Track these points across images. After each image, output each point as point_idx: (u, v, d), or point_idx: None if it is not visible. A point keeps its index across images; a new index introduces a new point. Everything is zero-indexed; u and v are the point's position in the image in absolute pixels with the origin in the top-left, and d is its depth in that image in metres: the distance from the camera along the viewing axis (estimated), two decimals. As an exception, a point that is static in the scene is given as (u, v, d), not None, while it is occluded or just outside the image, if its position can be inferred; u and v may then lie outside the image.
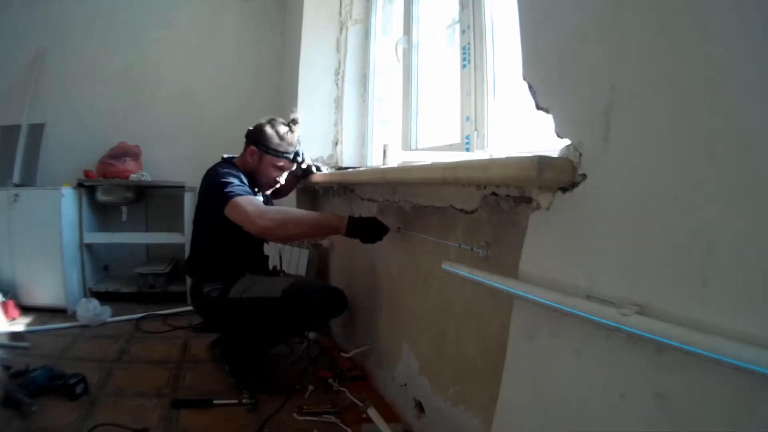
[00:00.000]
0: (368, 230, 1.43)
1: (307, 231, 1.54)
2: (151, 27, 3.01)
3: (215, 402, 1.48)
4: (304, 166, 1.75)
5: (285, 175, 1.74)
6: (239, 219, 1.44)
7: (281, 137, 1.65)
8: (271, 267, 2.00)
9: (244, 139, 1.72)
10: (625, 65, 0.61)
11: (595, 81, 0.66)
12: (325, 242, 2.19)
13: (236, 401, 1.49)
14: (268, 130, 1.65)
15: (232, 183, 1.50)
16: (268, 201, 1.83)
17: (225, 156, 1.74)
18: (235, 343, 1.67)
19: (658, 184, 0.56)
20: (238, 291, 1.62)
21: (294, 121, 1.69)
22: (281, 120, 1.70)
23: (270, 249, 2.08)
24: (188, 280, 2.72)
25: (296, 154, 1.69)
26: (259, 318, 1.59)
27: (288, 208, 1.52)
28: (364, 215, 1.74)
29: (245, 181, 1.58)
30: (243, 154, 1.70)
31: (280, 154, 1.64)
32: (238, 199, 1.45)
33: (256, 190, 1.70)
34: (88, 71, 2.92)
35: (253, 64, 3.18)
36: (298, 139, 1.70)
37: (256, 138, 1.65)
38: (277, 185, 1.74)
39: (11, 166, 2.66)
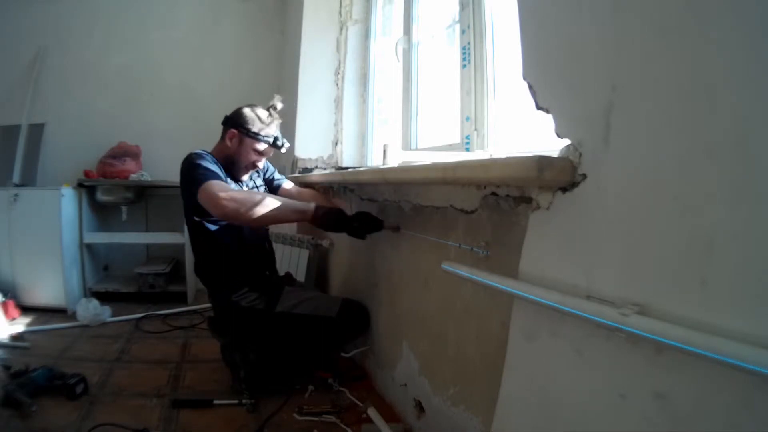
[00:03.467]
0: (342, 223, 1.42)
1: (277, 214, 1.44)
2: (151, 27, 3.01)
3: (215, 402, 1.48)
4: (283, 151, 1.69)
5: (264, 160, 1.68)
6: (208, 204, 1.39)
7: (262, 121, 1.60)
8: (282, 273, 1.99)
9: (221, 126, 1.67)
10: (625, 65, 0.61)
11: (595, 81, 0.66)
12: (325, 242, 2.19)
13: (236, 401, 1.49)
14: (249, 113, 1.61)
15: (200, 166, 1.46)
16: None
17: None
18: (266, 356, 1.63)
19: (658, 184, 0.56)
20: (287, 305, 1.62)
21: (274, 107, 1.65)
22: (260, 106, 1.66)
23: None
24: (189, 280, 2.76)
25: (276, 138, 1.63)
26: (310, 336, 1.62)
27: (255, 192, 1.49)
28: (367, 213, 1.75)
29: (216, 168, 1.52)
30: (222, 140, 1.65)
31: (261, 138, 1.60)
32: (207, 183, 1.40)
33: (239, 179, 1.67)
34: (88, 71, 2.92)
35: (253, 64, 3.18)
36: (278, 125, 1.65)
37: (236, 121, 1.61)
38: (256, 170, 1.70)
39: (11, 166, 2.66)
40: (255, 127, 1.59)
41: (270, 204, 1.42)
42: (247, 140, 1.60)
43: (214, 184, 1.41)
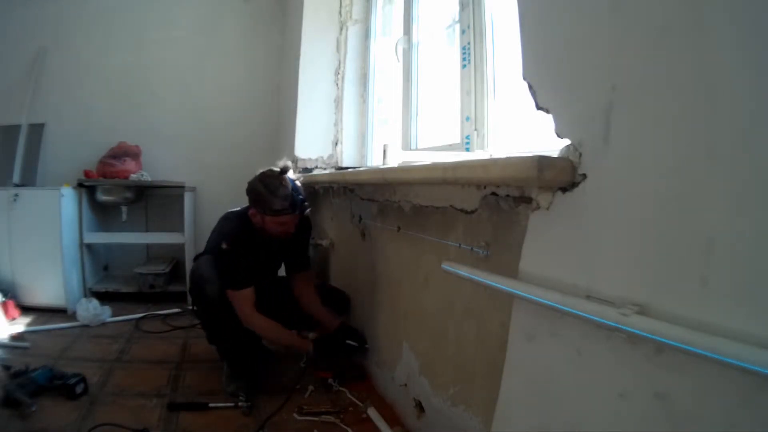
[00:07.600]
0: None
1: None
2: (151, 27, 3.01)
3: (210, 405, 1.47)
4: (307, 212, 1.71)
5: (292, 223, 1.65)
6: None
7: (275, 195, 1.57)
8: None
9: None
10: (625, 65, 0.61)
11: (595, 81, 0.66)
12: (325, 242, 2.19)
13: (232, 404, 1.48)
14: (262, 190, 1.59)
15: (231, 271, 1.60)
16: (279, 252, 1.80)
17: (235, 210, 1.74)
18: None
19: (659, 183, 0.56)
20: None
21: (284, 171, 1.61)
22: (271, 172, 1.62)
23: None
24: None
25: (294, 204, 1.60)
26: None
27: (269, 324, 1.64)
28: (365, 215, 1.75)
29: (243, 265, 1.61)
30: (250, 212, 1.66)
31: (278, 213, 1.59)
32: (232, 293, 1.59)
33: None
34: (88, 71, 2.92)
35: (253, 64, 3.18)
36: (293, 186, 1.61)
37: (253, 201, 1.63)
38: (290, 233, 1.68)
39: (11, 166, 2.66)
40: (270, 206, 1.58)
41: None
42: (267, 218, 1.60)
43: (239, 297, 1.60)
